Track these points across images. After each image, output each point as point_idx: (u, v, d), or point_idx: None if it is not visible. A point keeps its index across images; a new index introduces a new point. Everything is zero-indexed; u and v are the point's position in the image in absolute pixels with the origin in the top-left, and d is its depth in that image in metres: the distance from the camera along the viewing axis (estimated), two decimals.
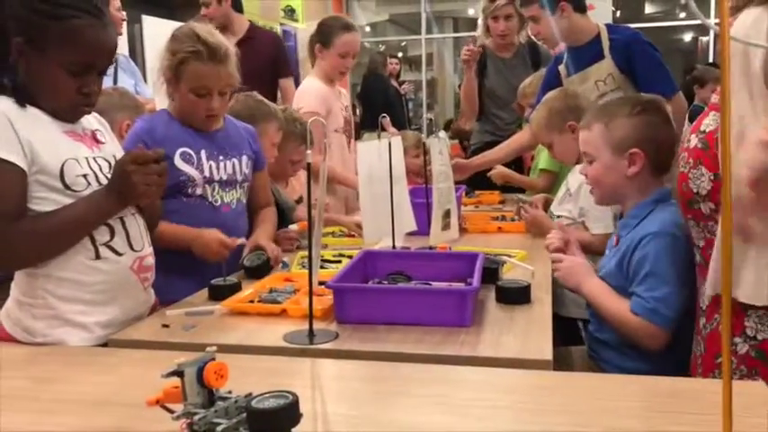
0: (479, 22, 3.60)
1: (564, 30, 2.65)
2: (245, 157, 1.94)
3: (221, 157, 1.87)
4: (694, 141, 1.84)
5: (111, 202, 1.33)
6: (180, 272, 1.69)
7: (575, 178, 2.25)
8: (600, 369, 1.64)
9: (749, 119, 1.23)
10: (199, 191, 1.83)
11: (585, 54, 2.65)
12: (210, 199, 1.85)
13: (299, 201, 2.54)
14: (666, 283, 1.47)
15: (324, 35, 3.02)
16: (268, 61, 3.86)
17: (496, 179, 3.13)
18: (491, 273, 1.58)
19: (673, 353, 1.51)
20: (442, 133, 2.13)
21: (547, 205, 2.45)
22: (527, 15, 2.81)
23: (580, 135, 1.75)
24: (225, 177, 1.87)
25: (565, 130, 2.32)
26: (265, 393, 0.85)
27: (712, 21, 0.74)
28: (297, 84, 4.27)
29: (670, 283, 1.47)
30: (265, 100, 2.31)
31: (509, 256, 1.83)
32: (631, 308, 1.49)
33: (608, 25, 2.70)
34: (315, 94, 2.99)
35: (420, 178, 2.77)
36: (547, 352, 1.18)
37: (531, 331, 1.30)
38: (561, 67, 2.75)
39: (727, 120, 0.74)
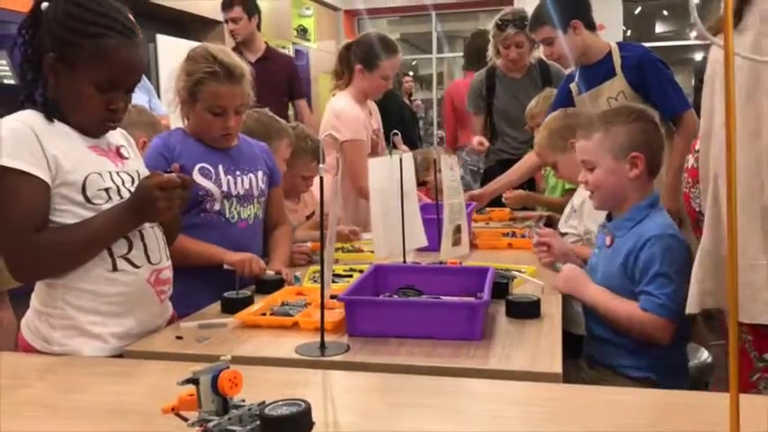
0: (490, 45, 3.59)
1: (578, 48, 2.67)
2: (260, 173, 1.97)
3: (238, 173, 1.90)
4: (691, 161, 1.87)
5: (131, 220, 1.36)
6: (194, 285, 1.71)
7: (579, 196, 2.27)
8: (604, 371, 1.68)
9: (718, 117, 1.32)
10: (217, 206, 1.85)
11: (597, 72, 2.68)
12: (227, 215, 1.87)
13: (311, 216, 2.56)
14: (672, 280, 1.57)
15: (369, 57, 2.88)
16: (283, 82, 3.98)
17: (512, 203, 3.11)
18: (501, 287, 1.59)
19: (673, 345, 1.61)
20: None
21: (552, 224, 2.47)
22: (539, 39, 2.82)
23: (578, 145, 1.81)
24: (242, 192, 1.90)
25: (567, 149, 2.34)
26: (278, 401, 0.86)
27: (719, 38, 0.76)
28: (308, 100, 4.34)
29: (674, 280, 1.57)
30: (276, 117, 2.35)
31: (519, 271, 1.84)
32: (641, 306, 1.58)
33: (619, 43, 2.73)
34: (355, 123, 2.88)
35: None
36: (556, 365, 1.19)
37: (540, 345, 1.31)
38: (573, 86, 2.77)
39: (733, 140, 0.75)
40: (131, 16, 1.38)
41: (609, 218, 1.80)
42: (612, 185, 1.73)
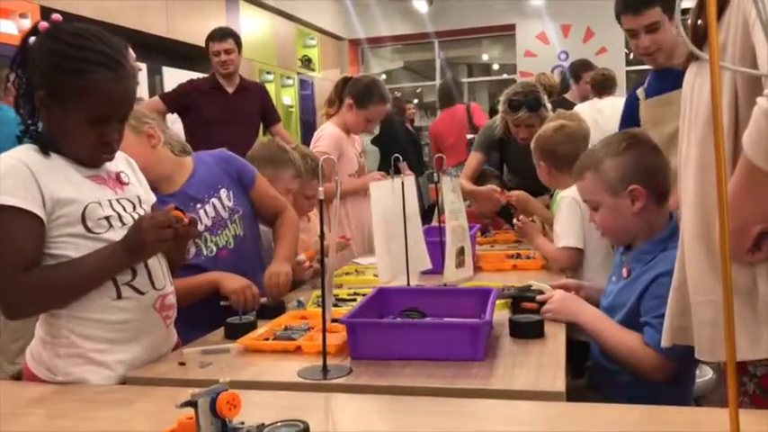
0: (499, 112, 3.31)
1: (674, 41, 2.33)
2: (223, 191, 1.90)
3: (198, 205, 1.85)
4: None
5: (125, 260, 1.34)
6: (197, 313, 1.71)
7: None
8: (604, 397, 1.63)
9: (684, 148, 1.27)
10: (192, 249, 1.82)
11: (676, 77, 2.37)
12: (206, 252, 1.84)
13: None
14: None
15: (361, 96, 3.08)
16: (257, 109, 4.22)
17: (515, 203, 2.94)
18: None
19: (677, 385, 1.54)
20: (454, 170, 2.15)
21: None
22: (644, 24, 2.38)
23: (576, 186, 1.74)
24: (210, 223, 1.86)
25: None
26: (277, 422, 0.86)
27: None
28: (313, 129, 4.44)
29: None
30: (286, 147, 2.33)
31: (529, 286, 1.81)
32: (645, 340, 1.49)
33: None
34: (329, 138, 3.06)
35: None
36: (560, 384, 1.18)
37: (544, 364, 1.30)
38: (640, 91, 2.53)
39: (722, 158, 0.74)
40: (123, 45, 1.36)
41: (628, 246, 1.70)
42: (620, 224, 1.64)
